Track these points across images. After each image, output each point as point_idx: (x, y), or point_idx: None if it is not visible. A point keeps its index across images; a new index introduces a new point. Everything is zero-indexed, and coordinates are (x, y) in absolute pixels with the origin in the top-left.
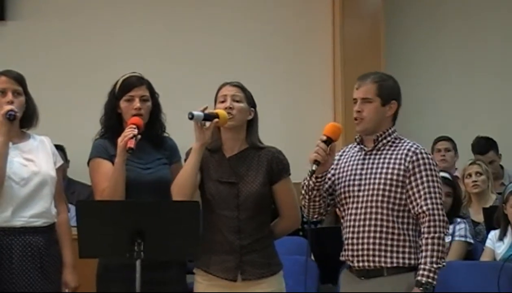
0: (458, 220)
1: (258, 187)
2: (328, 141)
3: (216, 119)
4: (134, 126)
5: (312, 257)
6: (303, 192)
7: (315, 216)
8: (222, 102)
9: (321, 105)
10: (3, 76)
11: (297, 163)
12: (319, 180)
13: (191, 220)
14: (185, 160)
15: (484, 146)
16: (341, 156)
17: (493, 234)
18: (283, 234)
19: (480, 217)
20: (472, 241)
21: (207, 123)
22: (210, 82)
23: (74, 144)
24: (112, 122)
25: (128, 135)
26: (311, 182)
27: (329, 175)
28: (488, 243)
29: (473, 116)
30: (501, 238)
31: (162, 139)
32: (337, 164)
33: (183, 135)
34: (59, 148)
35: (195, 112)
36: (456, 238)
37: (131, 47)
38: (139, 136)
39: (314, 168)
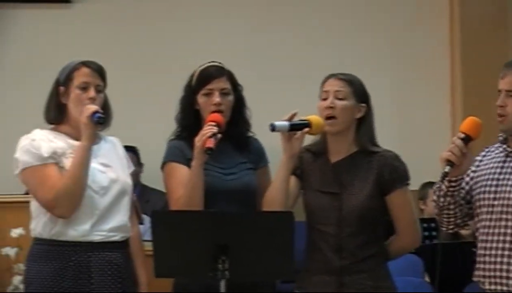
0: None
1: (364, 199)
2: (466, 139)
3: (307, 129)
4: (213, 123)
5: (427, 278)
6: (435, 197)
7: (451, 227)
8: (324, 99)
9: (436, 97)
10: (86, 67)
11: (409, 166)
12: (453, 184)
13: (284, 234)
14: None
15: None
16: (484, 156)
17: None
18: (399, 254)
19: None
20: None
21: (298, 132)
22: (303, 73)
23: (147, 145)
24: (189, 121)
25: (207, 134)
26: (443, 186)
27: (467, 179)
28: None
29: None
30: None
31: (247, 140)
32: (478, 166)
33: (271, 136)
34: (131, 150)
35: (278, 123)
36: None
37: (211, 36)
38: (219, 135)
39: (447, 170)
